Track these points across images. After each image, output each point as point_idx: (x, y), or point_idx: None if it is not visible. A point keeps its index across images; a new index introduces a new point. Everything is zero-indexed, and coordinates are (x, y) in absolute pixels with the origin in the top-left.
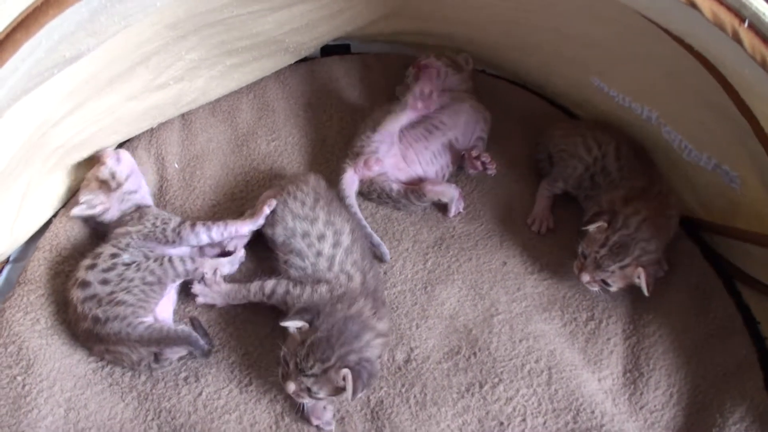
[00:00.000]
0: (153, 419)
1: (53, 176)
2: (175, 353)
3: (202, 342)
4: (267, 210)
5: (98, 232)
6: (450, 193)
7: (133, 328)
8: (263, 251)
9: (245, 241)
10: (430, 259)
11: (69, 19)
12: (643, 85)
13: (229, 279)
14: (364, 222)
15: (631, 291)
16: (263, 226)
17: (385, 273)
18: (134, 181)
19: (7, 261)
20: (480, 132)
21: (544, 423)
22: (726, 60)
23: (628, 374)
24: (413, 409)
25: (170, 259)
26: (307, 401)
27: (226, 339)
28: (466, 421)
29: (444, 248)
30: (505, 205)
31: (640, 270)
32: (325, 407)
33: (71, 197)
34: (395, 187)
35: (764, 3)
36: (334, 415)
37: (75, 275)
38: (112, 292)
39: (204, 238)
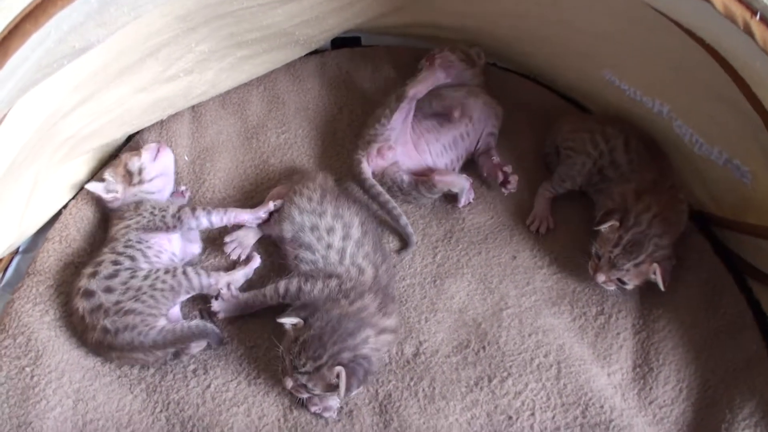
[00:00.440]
0: (161, 411)
1: (63, 167)
2: (195, 348)
3: (217, 331)
4: (271, 205)
5: (106, 223)
6: (460, 184)
7: (144, 335)
8: (273, 251)
9: (250, 247)
10: (439, 253)
11: (78, 9)
12: (654, 78)
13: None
14: (393, 203)
15: (641, 286)
16: (270, 225)
17: (394, 266)
18: (159, 184)
19: (16, 252)
20: (491, 128)
21: (553, 417)
22: (737, 53)
23: (638, 369)
24: (422, 402)
25: (184, 271)
26: (306, 396)
27: (234, 332)
28: (475, 415)
29: (453, 242)
30: (515, 199)
31: (656, 266)
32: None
33: (81, 188)
34: (406, 178)
35: None
36: (341, 407)
37: (77, 284)
38: (118, 302)
39: (204, 222)
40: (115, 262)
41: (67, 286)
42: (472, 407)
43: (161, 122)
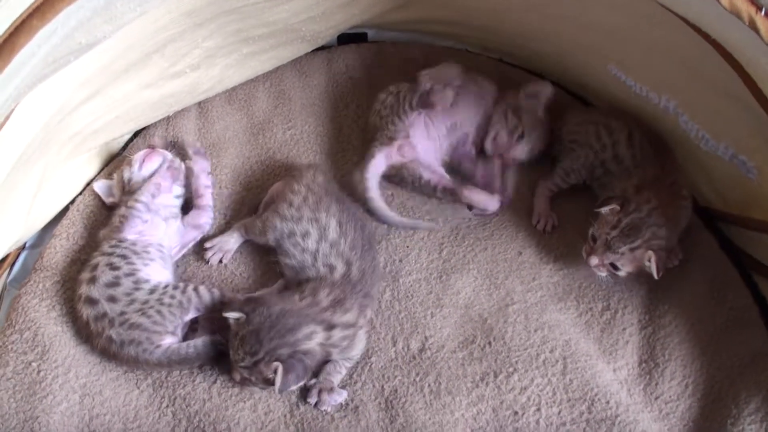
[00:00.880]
0: (168, 406)
1: (69, 163)
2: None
3: (222, 346)
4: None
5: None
6: (491, 206)
7: (150, 354)
8: (264, 255)
9: (232, 251)
10: (445, 248)
11: (85, 5)
12: (661, 73)
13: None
14: (389, 213)
15: (647, 281)
16: (259, 233)
17: (400, 261)
18: (150, 191)
19: (23, 247)
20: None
21: (559, 413)
22: (743, 49)
23: (644, 365)
24: (427, 398)
25: (196, 288)
26: (252, 387)
27: None
28: (481, 411)
29: (459, 238)
30: (521, 195)
31: (651, 253)
32: (332, 388)
33: (88, 184)
34: (426, 175)
35: None
36: (346, 403)
37: (78, 291)
38: (123, 313)
39: (138, 205)
40: (111, 265)
41: (73, 282)
42: (477, 403)
43: (167, 118)
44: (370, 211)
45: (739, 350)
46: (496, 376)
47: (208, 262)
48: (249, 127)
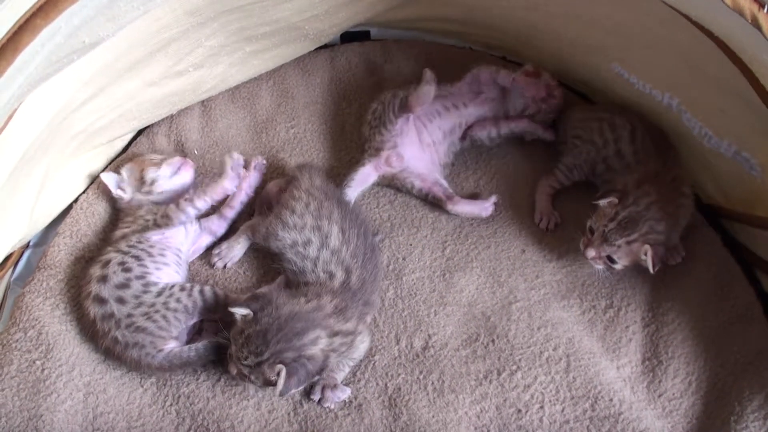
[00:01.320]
0: (171, 404)
1: (73, 162)
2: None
3: (225, 340)
4: (228, 161)
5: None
6: (484, 214)
7: (152, 357)
8: (267, 256)
9: (238, 257)
10: (448, 247)
11: (88, 4)
12: (664, 71)
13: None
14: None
15: (650, 278)
16: (263, 240)
17: (403, 259)
18: (166, 197)
19: (27, 245)
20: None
21: (562, 410)
22: (746, 46)
23: (647, 362)
24: (431, 396)
25: (201, 290)
26: (249, 383)
27: None
28: (484, 408)
29: (463, 236)
30: (525, 193)
31: (647, 247)
32: (336, 386)
33: (92, 182)
34: (417, 184)
35: None
36: (350, 401)
37: (87, 287)
38: (130, 315)
39: (191, 211)
40: (123, 265)
41: (77, 281)
42: (481, 400)
43: (171, 116)
44: None
45: (742, 347)
46: (499, 374)
47: (213, 266)
48: (252, 125)
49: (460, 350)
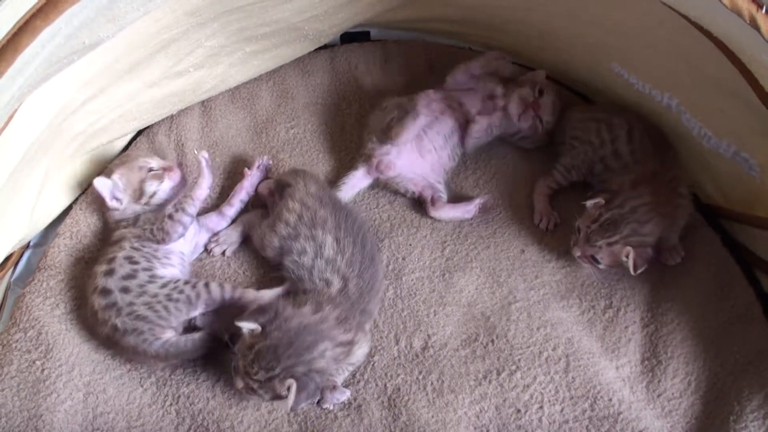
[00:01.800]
0: (171, 404)
1: (73, 162)
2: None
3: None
4: (203, 161)
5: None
6: (468, 216)
7: (149, 344)
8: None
9: (236, 244)
10: (448, 247)
11: (88, 5)
12: (663, 71)
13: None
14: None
15: (649, 279)
16: (259, 249)
17: (403, 259)
18: (161, 202)
19: (27, 246)
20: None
21: (561, 410)
22: (744, 46)
23: (646, 362)
24: (430, 396)
25: (206, 284)
26: (256, 397)
27: None
28: (483, 409)
29: (462, 236)
30: (524, 193)
31: (629, 249)
32: (336, 387)
33: (91, 183)
34: (410, 188)
35: None
36: (350, 402)
37: (94, 282)
38: (131, 303)
39: (187, 220)
40: (130, 259)
41: (77, 281)
42: (480, 400)
43: (171, 117)
44: None
45: (741, 347)
46: (498, 374)
47: (210, 253)
48: (252, 125)
49: (459, 350)
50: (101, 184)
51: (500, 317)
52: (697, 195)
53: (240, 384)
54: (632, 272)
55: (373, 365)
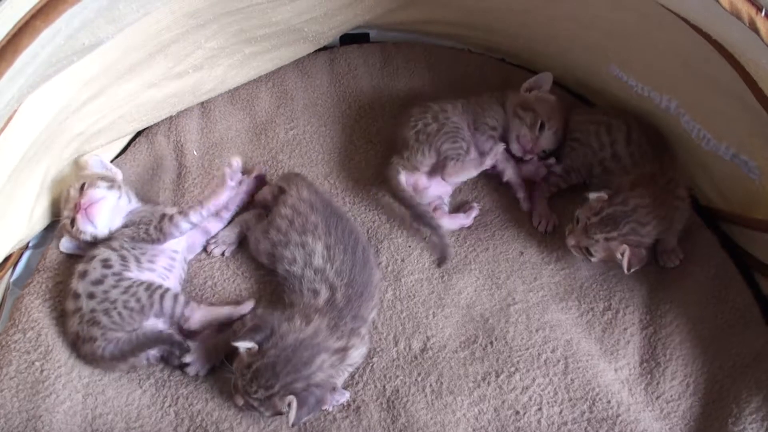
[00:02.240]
0: (170, 405)
1: (73, 163)
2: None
3: (177, 338)
4: (228, 173)
5: None
6: (466, 224)
7: (103, 350)
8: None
9: (234, 245)
10: None
11: (88, 6)
12: (662, 73)
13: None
14: (431, 215)
15: (648, 280)
16: (254, 254)
17: (402, 261)
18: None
19: (26, 247)
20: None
21: (560, 412)
22: (743, 49)
23: (645, 364)
24: (429, 398)
25: (162, 295)
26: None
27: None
28: (482, 410)
29: (461, 238)
30: (523, 196)
31: (625, 247)
32: (335, 388)
33: None
34: (423, 202)
35: None
36: (348, 404)
37: (69, 284)
38: (93, 310)
39: (185, 226)
40: (105, 262)
41: None
42: (479, 402)
43: (171, 118)
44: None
45: (740, 349)
46: (497, 376)
47: (210, 254)
48: (251, 127)
49: (458, 352)
50: (65, 246)
51: (499, 319)
52: (696, 197)
53: (240, 402)
54: (625, 271)
55: (371, 367)
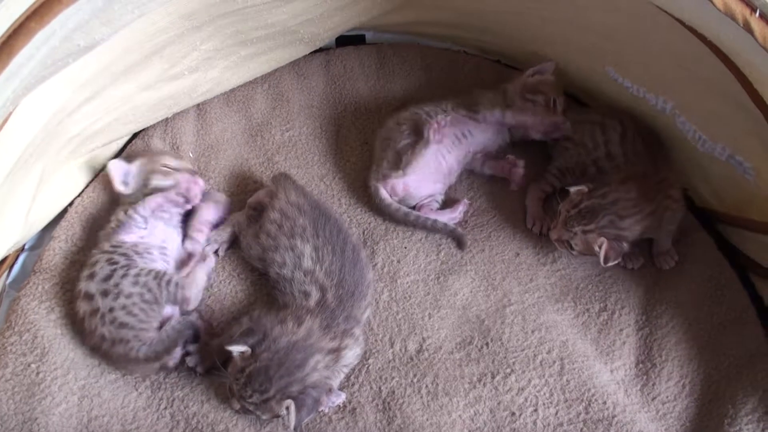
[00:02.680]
0: (166, 408)
1: (69, 165)
2: (171, 362)
3: (196, 322)
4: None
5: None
6: (458, 217)
7: (137, 350)
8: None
9: (227, 242)
10: (443, 250)
11: (83, 7)
12: (657, 75)
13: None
14: (426, 218)
15: (644, 282)
16: (246, 257)
17: (398, 262)
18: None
19: (22, 249)
20: (501, 141)
21: (556, 413)
22: (738, 50)
23: (641, 365)
24: (425, 399)
25: (168, 281)
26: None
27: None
28: (478, 411)
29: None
30: (519, 197)
31: (603, 240)
32: (331, 390)
33: (87, 186)
34: (413, 202)
35: None
36: (344, 405)
37: (77, 287)
38: (111, 309)
39: (138, 220)
40: (110, 261)
41: (72, 285)
42: (475, 403)
43: (166, 120)
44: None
45: (736, 350)
46: (493, 377)
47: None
48: (247, 128)
49: (454, 353)
50: (115, 167)
51: (495, 320)
52: (691, 198)
53: (236, 406)
54: (602, 263)
55: (367, 368)
